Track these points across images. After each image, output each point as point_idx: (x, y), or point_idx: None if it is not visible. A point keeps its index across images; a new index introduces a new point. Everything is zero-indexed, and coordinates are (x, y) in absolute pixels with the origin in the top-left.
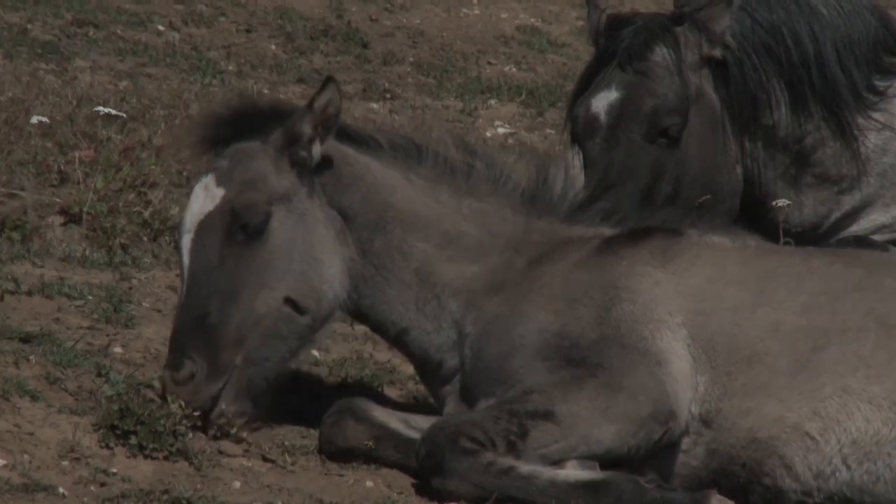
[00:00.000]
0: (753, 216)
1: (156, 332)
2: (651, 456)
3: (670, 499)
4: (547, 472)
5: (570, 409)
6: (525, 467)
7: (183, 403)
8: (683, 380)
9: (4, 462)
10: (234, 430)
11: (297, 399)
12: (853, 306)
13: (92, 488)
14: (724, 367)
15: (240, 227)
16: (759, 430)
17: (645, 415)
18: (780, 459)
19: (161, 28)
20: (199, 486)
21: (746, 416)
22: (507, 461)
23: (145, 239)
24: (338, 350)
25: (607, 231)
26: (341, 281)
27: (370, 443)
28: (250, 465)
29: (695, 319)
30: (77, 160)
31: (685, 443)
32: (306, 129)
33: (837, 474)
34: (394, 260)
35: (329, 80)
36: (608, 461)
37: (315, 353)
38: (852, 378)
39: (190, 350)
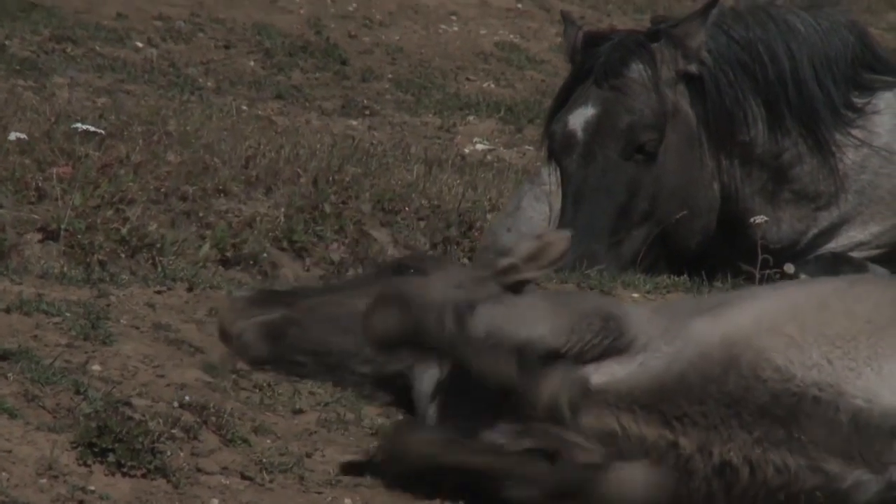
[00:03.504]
0: (730, 232)
1: (134, 349)
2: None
3: None
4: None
5: (516, 300)
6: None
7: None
8: (639, 312)
9: None
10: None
11: (275, 416)
12: None
13: None
14: (687, 315)
15: None
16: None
17: (588, 309)
18: None
19: (139, 44)
20: (177, 503)
21: (716, 322)
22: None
23: (123, 256)
24: None
25: None
26: None
27: None
28: (228, 482)
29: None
30: (55, 177)
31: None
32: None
33: None
34: None
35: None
36: (547, 348)
37: None
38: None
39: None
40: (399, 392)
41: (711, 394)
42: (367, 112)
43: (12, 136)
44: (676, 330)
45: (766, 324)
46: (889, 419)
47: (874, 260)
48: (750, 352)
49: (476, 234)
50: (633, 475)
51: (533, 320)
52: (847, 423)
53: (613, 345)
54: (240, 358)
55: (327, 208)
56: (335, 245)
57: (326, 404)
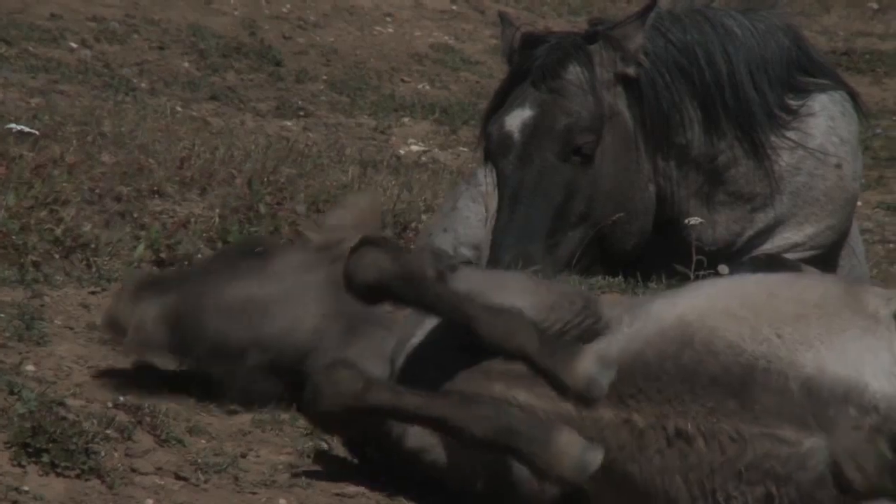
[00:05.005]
0: (666, 234)
1: (68, 350)
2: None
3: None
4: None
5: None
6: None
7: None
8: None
9: None
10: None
11: (210, 417)
12: None
13: None
14: (647, 300)
15: None
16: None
17: (568, 290)
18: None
19: (73, 45)
20: (111, 503)
21: (674, 304)
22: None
23: (57, 256)
24: None
25: None
26: None
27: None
28: (163, 482)
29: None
30: None
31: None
32: None
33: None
34: None
35: None
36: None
37: None
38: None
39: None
40: (291, 385)
41: (667, 370)
42: (302, 113)
43: None
44: (637, 310)
45: (720, 307)
46: (841, 385)
47: (808, 261)
48: (704, 330)
49: (411, 234)
50: (567, 443)
51: (514, 290)
52: (798, 390)
53: (592, 328)
54: (138, 345)
55: (262, 209)
56: None
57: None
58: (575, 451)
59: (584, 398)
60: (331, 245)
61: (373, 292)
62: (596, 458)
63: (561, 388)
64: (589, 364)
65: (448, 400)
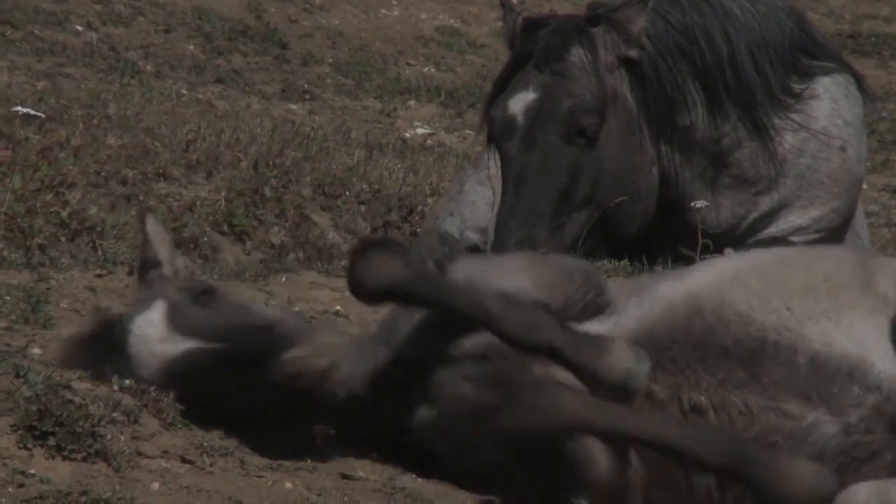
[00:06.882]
0: (670, 217)
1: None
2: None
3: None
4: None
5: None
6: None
7: None
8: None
9: None
10: None
11: None
12: None
13: (10, 489)
14: (652, 281)
15: None
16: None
17: (569, 265)
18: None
19: (79, 28)
20: (117, 487)
21: (680, 281)
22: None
23: (63, 239)
24: None
25: None
26: None
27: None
28: (169, 466)
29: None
30: None
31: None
32: None
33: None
34: None
35: None
36: (531, 302)
37: None
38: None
39: None
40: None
41: (678, 339)
42: (308, 96)
43: None
44: (643, 293)
45: (730, 276)
46: (847, 361)
47: (813, 244)
48: (713, 300)
49: (417, 218)
50: (802, 471)
51: (513, 272)
52: (805, 364)
53: (595, 301)
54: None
55: (268, 192)
56: (276, 229)
57: None
58: (811, 477)
59: (622, 392)
60: None
61: (384, 297)
62: (832, 481)
63: (596, 382)
64: (624, 356)
65: (671, 423)
